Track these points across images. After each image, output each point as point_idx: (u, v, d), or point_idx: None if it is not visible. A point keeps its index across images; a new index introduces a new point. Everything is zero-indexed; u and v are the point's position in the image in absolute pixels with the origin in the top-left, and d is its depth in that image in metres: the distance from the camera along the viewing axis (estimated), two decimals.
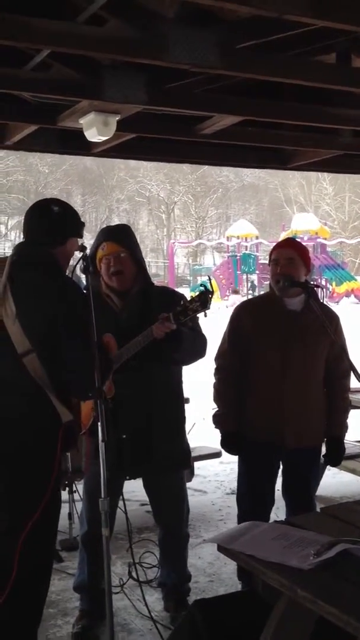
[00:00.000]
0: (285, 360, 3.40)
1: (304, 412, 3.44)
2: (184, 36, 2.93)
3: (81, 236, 2.97)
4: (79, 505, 4.34)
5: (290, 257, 3.41)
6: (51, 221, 2.84)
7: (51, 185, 48.08)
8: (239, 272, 28.85)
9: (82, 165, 49.09)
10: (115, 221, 52.96)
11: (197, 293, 3.02)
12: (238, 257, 29.31)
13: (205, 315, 3.02)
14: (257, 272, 29.71)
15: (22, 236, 3.01)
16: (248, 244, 30.72)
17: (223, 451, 5.23)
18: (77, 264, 2.87)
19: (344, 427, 3.59)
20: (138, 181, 50.59)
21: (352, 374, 3.32)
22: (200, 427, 6.50)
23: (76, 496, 4.41)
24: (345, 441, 3.69)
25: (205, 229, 52.07)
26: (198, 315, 3.04)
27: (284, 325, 3.41)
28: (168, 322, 3.01)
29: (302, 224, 30.12)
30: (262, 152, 5.19)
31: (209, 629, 2.52)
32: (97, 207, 52.08)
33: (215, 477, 6.02)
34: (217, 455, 5.25)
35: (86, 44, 2.91)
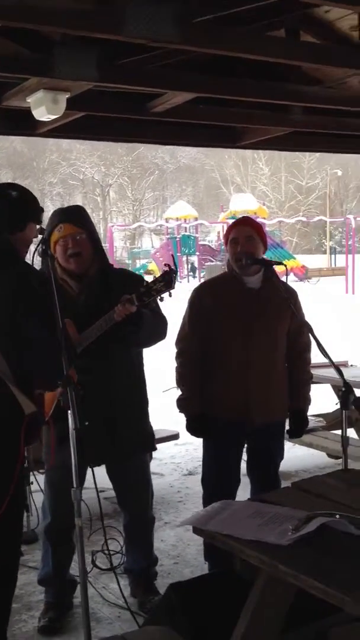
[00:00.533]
0: (247, 338, 3.40)
1: (268, 388, 3.45)
2: (141, 10, 2.85)
3: (40, 222, 2.88)
4: (36, 497, 4.27)
5: (249, 235, 3.40)
6: (10, 206, 2.74)
7: None
8: (179, 254, 28.84)
9: (12, 148, 48.08)
10: (49, 205, 52.16)
11: (161, 272, 2.98)
12: (177, 239, 29.29)
13: (170, 295, 2.97)
14: (197, 253, 29.79)
15: None
16: (188, 225, 30.73)
17: (180, 433, 5.32)
18: (36, 248, 2.78)
19: (307, 400, 3.63)
20: (71, 164, 49.88)
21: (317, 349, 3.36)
22: (155, 409, 6.49)
23: (33, 487, 4.32)
24: None
25: (143, 211, 51.85)
26: (162, 295, 2.99)
27: (244, 303, 3.41)
28: (130, 304, 2.95)
29: (241, 204, 30.26)
30: (212, 130, 5.15)
31: (187, 612, 2.51)
32: None
33: (171, 459, 6.02)
34: (175, 437, 5.24)
35: (38, 17, 2.79)
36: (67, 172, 50.15)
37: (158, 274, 3.06)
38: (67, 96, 3.66)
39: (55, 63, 3.33)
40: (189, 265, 31.02)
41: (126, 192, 51.33)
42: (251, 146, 5.42)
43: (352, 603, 1.93)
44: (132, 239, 48.19)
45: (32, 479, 4.35)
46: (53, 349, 2.62)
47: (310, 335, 3.18)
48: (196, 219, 31.81)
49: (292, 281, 27.87)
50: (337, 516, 2.33)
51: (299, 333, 3.49)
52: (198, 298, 3.53)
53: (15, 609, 3.49)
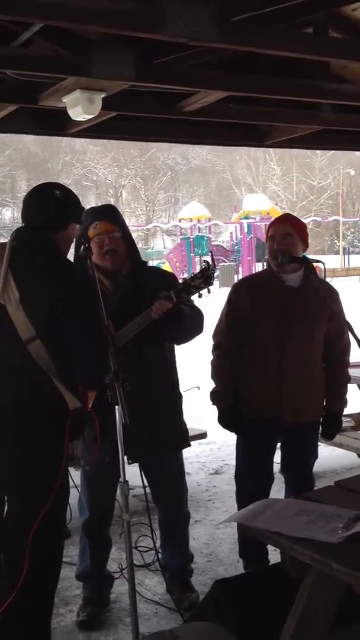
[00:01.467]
0: (284, 337, 3.40)
1: (302, 388, 3.44)
2: (181, 9, 2.87)
3: (82, 221, 2.90)
4: (72, 492, 4.30)
5: (287, 232, 3.39)
6: (53, 205, 2.78)
7: None
8: (192, 255, 28.84)
9: (26, 150, 48.30)
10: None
11: (200, 269, 2.99)
12: (191, 240, 29.28)
13: (209, 292, 2.99)
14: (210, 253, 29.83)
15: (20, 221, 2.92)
16: (203, 225, 30.72)
17: (207, 432, 5.32)
18: (80, 247, 2.81)
19: (342, 402, 3.62)
20: (85, 165, 50.01)
21: (351, 349, 3.36)
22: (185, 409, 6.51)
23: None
24: None
25: (155, 212, 51.91)
26: (201, 292, 3.00)
27: (282, 301, 3.40)
28: (168, 300, 2.96)
29: (254, 205, 30.26)
30: (239, 129, 5.16)
31: (234, 609, 2.51)
32: None
33: (196, 458, 6.03)
34: (202, 436, 5.24)
35: (80, 17, 2.81)
36: (80, 173, 50.28)
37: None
38: (102, 96, 3.68)
39: (92, 63, 3.35)
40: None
41: (139, 193, 51.40)
42: (278, 145, 5.43)
43: None
44: (145, 240, 48.22)
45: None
46: (94, 347, 2.64)
47: (351, 336, 3.16)
48: (209, 219, 31.80)
49: None
50: None
51: (339, 334, 3.46)
52: (236, 294, 3.54)
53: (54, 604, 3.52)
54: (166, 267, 28.55)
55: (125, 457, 2.79)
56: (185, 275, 3.65)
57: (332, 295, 3.43)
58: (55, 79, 3.65)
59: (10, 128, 4.54)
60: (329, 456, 5.75)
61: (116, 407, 2.48)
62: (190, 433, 5.16)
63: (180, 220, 32.63)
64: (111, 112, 4.25)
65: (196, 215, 31.03)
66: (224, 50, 3.64)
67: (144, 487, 2.96)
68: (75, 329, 2.65)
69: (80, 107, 3.65)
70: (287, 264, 3.36)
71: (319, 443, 5.15)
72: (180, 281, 3.14)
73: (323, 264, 3.35)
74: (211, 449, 6.24)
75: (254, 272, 17.17)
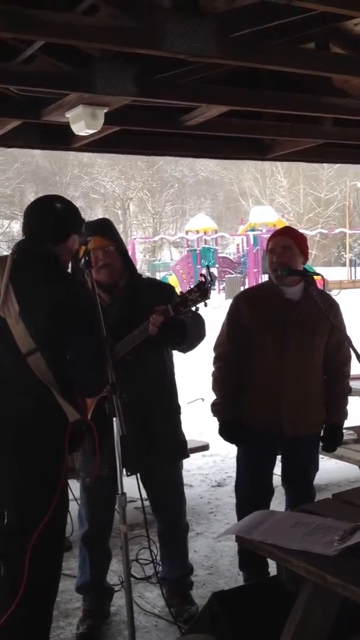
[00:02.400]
0: (284, 349, 3.41)
1: (302, 401, 3.46)
2: (180, 26, 2.90)
3: (82, 233, 2.93)
4: (73, 505, 4.30)
5: (287, 245, 3.41)
6: (54, 218, 2.80)
7: (3, 184, 47.35)
8: (199, 267, 28.88)
9: (35, 163, 48.55)
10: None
11: (197, 283, 3.02)
12: (198, 252, 29.33)
13: (206, 305, 3.01)
14: (217, 265, 29.84)
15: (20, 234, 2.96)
16: (209, 237, 30.78)
17: (209, 444, 5.33)
18: (81, 259, 2.83)
19: (343, 414, 3.62)
20: (92, 178, 50.23)
21: (352, 361, 3.36)
22: (185, 419, 6.50)
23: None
24: None
25: (163, 224, 52.03)
26: (198, 305, 3.03)
27: (282, 314, 3.42)
28: (165, 314, 2.99)
29: (260, 217, 30.29)
30: (241, 142, 5.20)
31: (231, 621, 2.52)
32: None
33: (199, 470, 6.03)
34: (204, 448, 5.25)
35: (81, 34, 2.86)
36: (88, 186, 50.50)
37: (178, 287, 3.11)
38: (105, 111, 3.72)
39: (94, 79, 3.40)
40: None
41: (146, 206, 51.57)
42: (280, 158, 5.46)
43: None
44: (152, 252, 48.32)
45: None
46: (94, 359, 2.66)
47: (350, 348, 3.18)
48: (216, 231, 31.85)
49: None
50: None
51: (339, 346, 3.48)
52: (237, 306, 3.56)
53: (53, 616, 3.52)
54: (172, 278, 28.61)
55: (124, 469, 2.83)
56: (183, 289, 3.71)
57: (332, 308, 3.45)
58: (58, 95, 3.70)
59: (15, 142, 4.59)
60: (332, 469, 5.73)
61: (114, 419, 2.49)
62: (193, 445, 5.20)
63: (187, 233, 32.71)
64: (114, 127, 4.30)
65: (203, 228, 31.10)
66: (225, 66, 3.67)
67: (142, 499, 2.96)
68: (76, 334, 2.67)
69: (83, 122, 3.69)
70: (286, 277, 3.38)
71: (321, 456, 5.18)
72: (178, 293, 3.17)
73: (322, 276, 3.36)
74: (214, 461, 6.24)
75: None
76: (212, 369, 3.62)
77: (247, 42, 3.20)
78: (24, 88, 3.52)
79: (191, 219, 36.67)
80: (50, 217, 2.80)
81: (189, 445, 5.13)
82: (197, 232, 31.01)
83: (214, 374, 3.60)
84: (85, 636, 3.31)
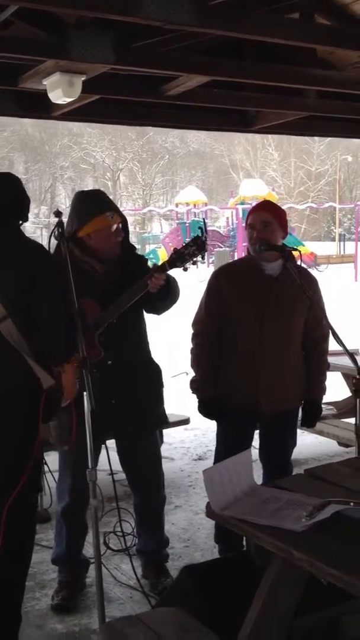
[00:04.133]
0: (262, 325, 3.39)
1: (281, 376, 3.44)
2: None
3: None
4: (49, 477, 4.31)
5: (266, 220, 3.38)
6: (15, 193, 2.82)
7: None
8: (187, 239, 28.79)
9: (24, 132, 48.00)
10: (60, 189, 52.03)
11: (192, 237, 3.04)
12: (187, 224, 29.18)
13: (203, 259, 3.08)
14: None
15: None
16: (198, 210, 30.61)
17: (190, 418, 5.34)
18: (53, 230, 2.81)
19: (322, 390, 3.62)
20: (82, 148, 49.75)
21: (330, 337, 3.35)
22: (169, 395, 6.50)
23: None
24: None
25: (152, 196, 51.70)
26: (195, 259, 3.03)
27: (260, 289, 3.39)
28: (162, 271, 3.06)
29: (250, 190, 30.12)
30: (226, 114, 5.12)
31: (200, 595, 2.53)
32: (40, 174, 51.03)
33: (181, 443, 6.05)
34: (185, 422, 5.26)
35: (58, 0, 2.78)
36: (78, 156, 50.01)
37: (167, 259, 3.11)
38: (82, 79, 3.65)
39: (71, 46, 3.32)
40: None
41: (136, 177, 51.16)
42: (265, 130, 5.40)
43: None
44: (141, 224, 48.08)
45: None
46: (65, 325, 2.67)
47: (328, 324, 3.16)
48: (206, 204, 31.68)
49: (306, 267, 27.93)
50: (352, 504, 2.33)
51: (317, 323, 3.46)
52: (215, 281, 3.53)
53: (28, 586, 3.51)
54: (162, 251, 28.51)
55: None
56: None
57: (311, 284, 3.43)
58: (34, 62, 3.62)
59: None
60: (312, 443, 5.77)
61: (84, 393, 2.48)
62: (174, 419, 5.21)
63: (177, 205, 32.53)
64: (94, 96, 4.22)
65: (193, 200, 30.93)
66: (207, 35, 3.60)
67: (112, 471, 2.98)
68: (47, 300, 2.69)
69: (61, 89, 3.62)
70: (264, 252, 3.35)
71: (301, 431, 5.20)
72: (174, 251, 3.16)
73: (299, 252, 3.33)
74: (195, 435, 6.26)
75: None
76: (191, 345, 3.60)
77: (226, 11, 3.13)
78: None
79: (181, 191, 36.44)
80: (12, 192, 2.81)
81: (171, 419, 5.21)
82: (187, 204, 30.83)
83: (192, 351, 3.57)
84: (59, 607, 3.33)
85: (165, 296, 3.20)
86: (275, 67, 4.19)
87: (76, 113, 4.52)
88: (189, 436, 6.24)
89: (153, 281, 3.06)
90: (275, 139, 46.16)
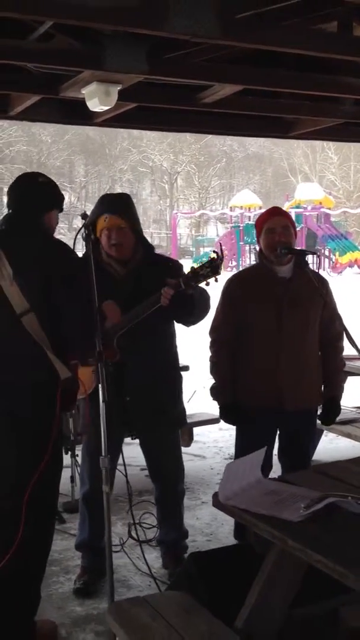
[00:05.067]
0: (279, 327, 3.49)
1: (299, 376, 3.54)
2: (184, 7, 2.97)
3: (62, 209, 3.09)
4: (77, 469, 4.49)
5: (285, 225, 3.50)
6: (39, 191, 2.96)
7: (54, 155, 47.77)
8: (242, 243, 28.80)
9: (85, 135, 48.71)
10: (119, 192, 52.30)
11: (208, 259, 3.14)
12: (241, 228, 29.23)
13: (216, 281, 3.15)
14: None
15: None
16: (251, 214, 30.62)
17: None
18: (79, 231, 2.96)
19: (340, 388, 3.70)
20: (141, 151, 50.20)
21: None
22: (201, 394, 6.60)
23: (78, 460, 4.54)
24: (342, 406, 3.80)
25: (209, 199, 51.79)
26: (209, 280, 3.14)
27: (275, 291, 3.50)
28: (175, 287, 3.12)
29: (306, 194, 29.96)
30: (263, 120, 5.22)
31: (205, 580, 2.65)
32: (99, 177, 51.80)
33: (214, 443, 6.16)
34: (215, 421, 5.35)
35: (88, 15, 2.94)
36: (137, 159, 50.52)
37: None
38: (118, 88, 3.81)
39: (106, 57, 3.49)
40: (252, 255, 30.90)
41: (193, 180, 51.35)
42: (302, 136, 5.47)
43: (353, 578, 2.04)
44: (197, 227, 48.27)
45: (77, 451, 4.59)
46: (86, 321, 2.80)
47: (341, 324, 3.25)
48: (260, 207, 31.62)
49: (356, 273, 27.32)
50: (350, 498, 2.43)
51: (331, 322, 3.56)
52: (230, 288, 3.64)
53: (54, 571, 3.72)
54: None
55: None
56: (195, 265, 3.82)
57: (322, 285, 3.53)
58: (73, 72, 3.81)
59: (37, 117, 4.72)
60: (345, 448, 5.80)
61: (98, 385, 2.63)
62: (204, 418, 5.35)
63: (231, 209, 32.58)
64: (130, 104, 4.39)
65: (247, 204, 30.93)
66: (237, 45, 3.71)
67: (125, 464, 3.14)
68: (70, 299, 2.81)
69: (97, 98, 3.80)
70: (286, 255, 3.46)
71: (334, 434, 5.25)
72: (189, 269, 3.28)
73: (317, 254, 3.43)
74: (230, 435, 6.32)
75: None
76: (209, 353, 3.71)
77: (253, 24, 3.23)
78: (39, 65, 3.63)
79: (237, 194, 36.47)
80: (35, 189, 2.96)
81: (202, 418, 5.34)
82: (241, 208, 30.86)
83: (211, 358, 3.69)
84: (80, 591, 3.50)
85: (187, 312, 3.29)
86: (309, 76, 4.26)
87: (115, 119, 4.71)
88: (224, 436, 6.34)
89: (164, 294, 3.15)
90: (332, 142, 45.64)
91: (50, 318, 2.78)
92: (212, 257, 3.11)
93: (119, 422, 3.29)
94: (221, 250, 3.27)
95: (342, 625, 2.58)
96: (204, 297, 3.37)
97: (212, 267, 3.08)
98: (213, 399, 3.73)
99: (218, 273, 3.08)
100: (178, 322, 3.51)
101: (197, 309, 3.31)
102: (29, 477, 2.79)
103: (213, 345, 3.67)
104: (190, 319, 3.41)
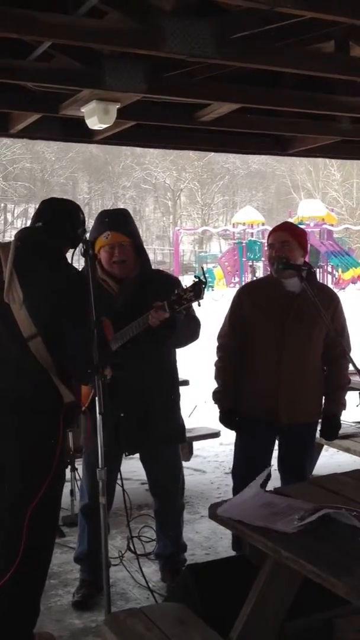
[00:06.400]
0: (282, 340, 3.54)
1: (299, 391, 3.57)
2: (180, 27, 3.04)
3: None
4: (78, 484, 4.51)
5: (285, 240, 3.54)
6: (74, 224, 3.04)
7: (57, 172, 48.04)
8: (244, 259, 28.89)
9: (88, 152, 49.01)
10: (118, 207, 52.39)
11: (192, 283, 3.07)
12: (244, 244, 29.34)
13: (199, 305, 3.07)
14: (263, 259, 29.80)
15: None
16: (254, 230, 30.73)
17: (222, 432, 5.47)
18: (77, 248, 3.01)
19: (341, 405, 3.73)
20: (144, 168, 50.47)
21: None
22: (201, 409, 6.63)
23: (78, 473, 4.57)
24: (342, 421, 3.83)
25: (212, 215, 51.97)
26: (192, 304, 3.13)
27: (281, 306, 3.55)
28: (162, 310, 3.06)
29: (309, 210, 30.07)
30: (261, 138, 5.29)
31: (201, 592, 2.67)
32: (103, 194, 52.03)
33: (214, 457, 6.18)
34: (215, 435, 5.39)
35: (87, 36, 3.01)
36: (140, 176, 50.77)
37: (223, 279, 3.25)
38: (117, 106, 3.88)
39: (105, 76, 3.56)
40: (255, 272, 30.97)
41: (196, 197, 51.58)
42: (300, 154, 5.53)
43: (343, 587, 2.06)
44: (200, 243, 48.41)
45: (77, 465, 4.62)
46: (86, 344, 2.84)
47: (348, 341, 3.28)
48: (263, 224, 31.75)
49: (358, 289, 27.28)
50: (343, 509, 2.45)
51: (337, 339, 3.56)
52: (239, 298, 3.71)
53: (53, 584, 3.73)
54: (218, 271, 28.71)
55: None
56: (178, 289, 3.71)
57: (332, 301, 3.56)
58: (72, 91, 3.88)
59: (38, 135, 4.79)
60: (345, 463, 5.81)
61: (95, 398, 2.67)
62: (204, 432, 5.37)
63: (234, 225, 32.69)
64: (130, 122, 4.46)
65: (249, 220, 31.04)
66: (234, 65, 3.78)
67: (121, 479, 3.16)
68: (71, 322, 2.86)
69: (96, 117, 3.86)
70: (283, 270, 3.50)
71: (336, 450, 5.25)
72: (175, 293, 3.25)
73: (313, 269, 3.47)
74: (231, 450, 6.32)
75: None
76: (214, 358, 3.77)
77: (247, 44, 3.30)
78: (39, 84, 3.70)
79: (239, 211, 36.60)
80: (74, 223, 3.04)
81: (201, 432, 5.37)
82: (244, 224, 30.96)
83: (216, 364, 3.75)
84: (79, 604, 3.52)
85: (168, 334, 3.20)
86: (307, 95, 4.33)
87: (115, 137, 4.77)
88: (224, 450, 6.35)
89: (153, 315, 3.07)
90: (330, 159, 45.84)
91: (56, 342, 2.83)
92: (195, 281, 3.04)
93: (114, 436, 3.31)
94: (204, 274, 3.26)
95: (336, 637, 2.59)
96: (191, 324, 3.32)
97: (194, 291, 3.01)
98: (214, 403, 3.78)
99: (201, 297, 2.99)
100: (162, 343, 3.38)
101: (179, 333, 3.24)
102: (32, 496, 2.84)
103: (218, 351, 3.74)
104: (171, 342, 3.36)
